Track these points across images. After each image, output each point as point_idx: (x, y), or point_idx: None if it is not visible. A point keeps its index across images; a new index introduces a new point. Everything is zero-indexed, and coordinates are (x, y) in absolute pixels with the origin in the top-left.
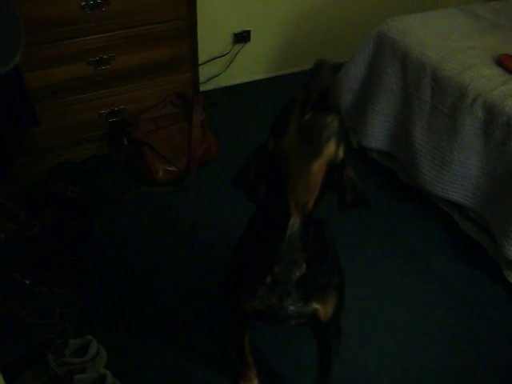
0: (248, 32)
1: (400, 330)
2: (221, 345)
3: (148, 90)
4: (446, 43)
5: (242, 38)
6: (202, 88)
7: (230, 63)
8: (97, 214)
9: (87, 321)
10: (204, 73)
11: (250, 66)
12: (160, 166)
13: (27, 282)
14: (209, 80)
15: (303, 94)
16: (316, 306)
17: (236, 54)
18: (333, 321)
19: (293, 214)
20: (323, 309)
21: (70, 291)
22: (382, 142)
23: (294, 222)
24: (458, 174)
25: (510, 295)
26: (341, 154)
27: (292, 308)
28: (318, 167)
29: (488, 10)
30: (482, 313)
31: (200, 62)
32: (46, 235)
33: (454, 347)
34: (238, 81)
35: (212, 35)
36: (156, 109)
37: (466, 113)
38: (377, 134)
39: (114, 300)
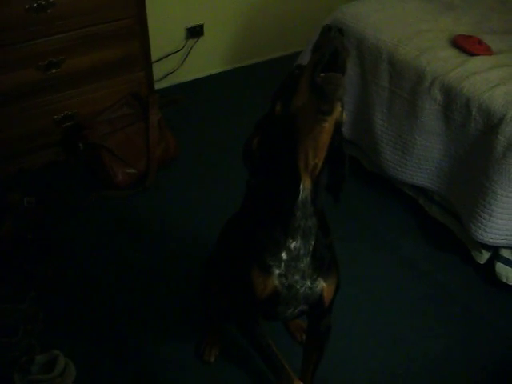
0: (201, 26)
1: (371, 317)
2: (196, 345)
3: (102, 92)
4: (401, 27)
5: (196, 32)
6: (158, 86)
7: (185, 59)
8: (56, 223)
9: (53, 335)
10: (159, 70)
11: (205, 61)
12: (119, 169)
13: None
14: (164, 77)
15: (316, 56)
16: (323, 284)
17: (190, 49)
18: (330, 307)
19: (303, 177)
20: (328, 287)
21: (33, 306)
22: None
23: (305, 185)
24: (421, 158)
25: (479, 276)
26: (344, 116)
27: (308, 283)
28: (329, 125)
29: None
30: (453, 295)
31: (153, 60)
32: (4, 249)
33: (428, 332)
34: (194, 76)
35: (164, 31)
36: (111, 110)
37: (424, 96)
38: None
39: (79, 312)
